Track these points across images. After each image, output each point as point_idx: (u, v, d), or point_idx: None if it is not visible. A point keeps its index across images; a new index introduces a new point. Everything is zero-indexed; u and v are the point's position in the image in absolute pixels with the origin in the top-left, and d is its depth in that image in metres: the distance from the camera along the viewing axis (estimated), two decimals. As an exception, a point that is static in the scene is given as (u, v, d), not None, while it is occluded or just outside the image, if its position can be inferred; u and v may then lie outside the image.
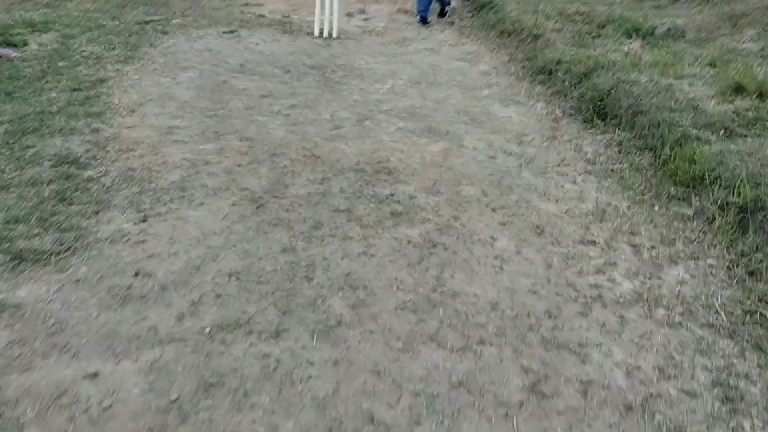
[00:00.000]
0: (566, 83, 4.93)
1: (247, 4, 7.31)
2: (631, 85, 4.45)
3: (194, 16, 6.61)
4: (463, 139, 4.17)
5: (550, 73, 5.26)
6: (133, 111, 4.18)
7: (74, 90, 4.44)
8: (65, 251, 2.68)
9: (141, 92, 4.50)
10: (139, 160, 3.54)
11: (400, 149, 3.96)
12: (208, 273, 2.61)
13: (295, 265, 2.70)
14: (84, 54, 5.22)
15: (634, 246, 3.03)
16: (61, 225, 2.86)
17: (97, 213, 2.99)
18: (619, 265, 2.86)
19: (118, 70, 4.91)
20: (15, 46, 5.31)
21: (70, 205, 3.03)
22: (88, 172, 3.36)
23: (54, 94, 4.36)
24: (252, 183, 3.38)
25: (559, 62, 5.25)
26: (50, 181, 3.21)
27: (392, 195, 3.38)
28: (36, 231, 2.80)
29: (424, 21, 6.89)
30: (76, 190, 3.16)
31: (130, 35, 5.77)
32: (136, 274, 2.57)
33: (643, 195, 3.49)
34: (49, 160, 3.41)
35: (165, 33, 5.92)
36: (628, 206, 3.39)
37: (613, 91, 4.45)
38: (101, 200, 3.10)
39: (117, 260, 2.65)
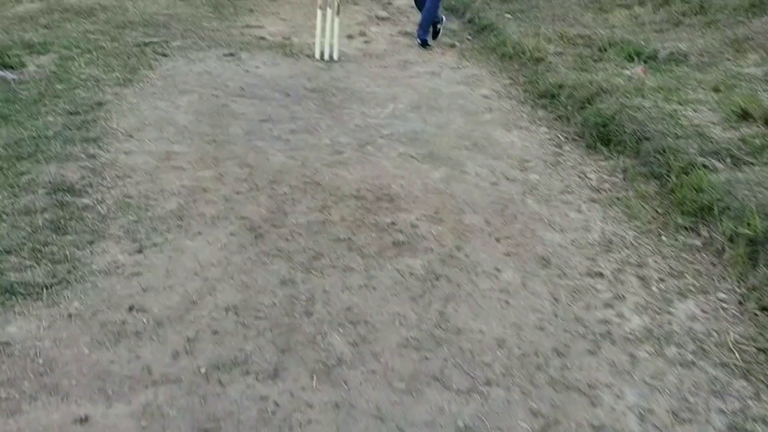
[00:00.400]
0: (569, 108, 4.89)
1: (247, 26, 7.28)
2: (635, 110, 4.40)
3: (194, 38, 6.58)
4: (465, 165, 4.11)
5: (553, 97, 5.21)
6: (131, 136, 4.12)
7: (71, 114, 4.38)
8: (58, 284, 2.61)
9: (139, 116, 4.44)
10: (136, 187, 3.48)
11: (401, 175, 3.90)
12: (205, 307, 2.53)
13: (294, 299, 2.63)
14: (82, 76, 5.17)
15: (642, 278, 2.95)
16: (54, 256, 2.78)
17: (91, 243, 2.91)
18: (628, 299, 2.79)
19: (116, 93, 4.86)
20: (12, 67, 5.26)
21: (64, 234, 2.96)
22: (84, 200, 3.29)
23: (51, 118, 4.30)
24: (251, 211, 3.31)
25: (561, 86, 5.20)
26: (44, 210, 3.14)
27: (394, 223, 3.31)
28: (28, 263, 2.72)
29: (424, 44, 6.86)
30: (71, 219, 3.08)
31: (130, 57, 5.73)
32: (131, 309, 2.49)
33: (650, 225, 3.43)
34: (44, 188, 3.34)
35: (164, 55, 5.88)
36: (635, 236, 3.32)
37: (616, 117, 4.40)
38: (96, 230, 3.03)
39: (111, 294, 2.57)
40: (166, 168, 3.73)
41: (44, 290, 2.56)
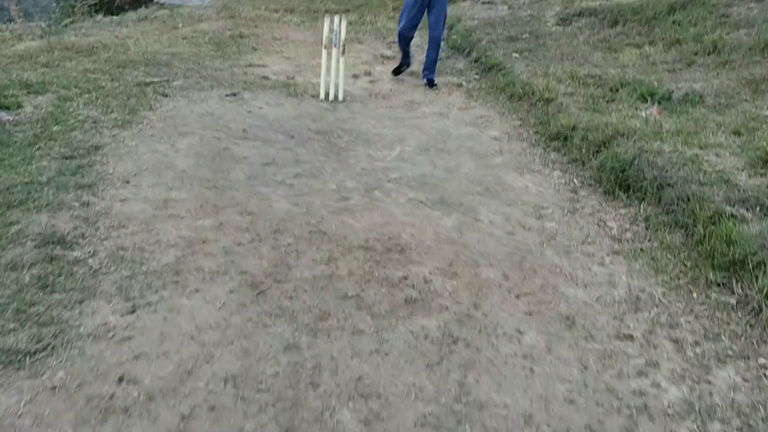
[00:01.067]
0: (583, 151, 4.71)
1: (250, 65, 7.16)
2: (654, 155, 4.22)
3: (196, 77, 6.45)
4: (478, 211, 3.91)
5: (565, 139, 5.04)
6: (128, 182, 3.93)
7: (66, 158, 4.20)
8: (42, 351, 2.39)
9: (137, 160, 4.26)
10: (130, 238, 3.27)
11: (411, 223, 3.70)
12: (202, 378, 2.31)
13: (299, 367, 2.40)
14: (80, 117, 5.01)
15: (675, 341, 2.73)
16: (40, 318, 2.57)
17: (81, 302, 2.70)
18: (662, 366, 2.56)
19: (114, 135, 4.69)
20: (8, 108, 5.11)
21: (52, 292, 2.75)
22: (75, 253, 3.08)
23: (45, 163, 4.12)
24: (252, 265, 3.11)
25: (574, 128, 5.03)
26: (32, 265, 2.93)
27: (405, 278, 3.10)
28: (11, 326, 2.51)
29: (431, 84, 6.72)
30: (60, 275, 2.88)
31: (129, 98, 5.58)
32: (120, 380, 2.27)
33: (679, 280, 3.21)
34: (33, 240, 3.14)
35: (165, 95, 5.73)
36: (664, 293, 3.10)
37: (635, 162, 4.21)
38: (87, 287, 2.82)
39: (99, 362, 2.35)
40: (163, 217, 3.53)
41: (27, 358, 2.34)
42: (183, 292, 2.84)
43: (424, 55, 6.96)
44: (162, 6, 10.77)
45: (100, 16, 10.28)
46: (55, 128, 4.75)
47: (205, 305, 2.75)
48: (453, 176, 4.46)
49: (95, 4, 12.91)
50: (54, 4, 13.17)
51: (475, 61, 7.54)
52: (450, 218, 3.80)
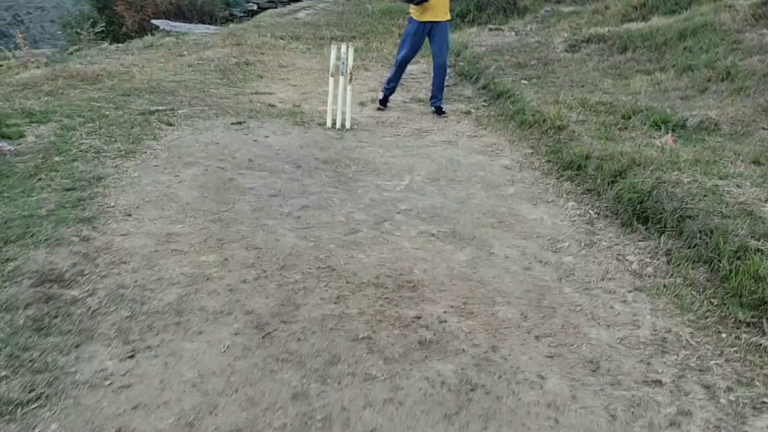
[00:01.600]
0: (598, 181, 4.58)
1: (256, 93, 7.08)
2: (672, 185, 4.08)
3: (201, 105, 6.36)
4: (492, 245, 3.77)
5: (579, 168, 4.91)
6: (130, 215, 3.81)
7: (67, 190, 4.09)
8: (35, 401, 2.25)
9: (140, 192, 4.15)
10: (131, 275, 3.14)
11: (423, 258, 3.56)
12: (204, 431, 2.15)
13: (308, 419, 2.25)
14: (82, 147, 4.91)
15: (707, 387, 2.57)
16: (34, 364, 2.43)
17: (77, 347, 2.56)
18: (695, 415, 2.40)
19: (117, 166, 4.58)
20: (9, 138, 5.01)
21: (48, 336, 2.61)
22: (73, 292, 2.95)
23: (45, 195, 4.00)
24: (258, 304, 2.96)
25: (587, 157, 4.91)
26: (28, 305, 2.80)
27: (419, 318, 2.95)
28: (3, 373, 2.37)
29: (439, 112, 6.63)
30: (56, 316, 2.74)
31: (133, 126, 5.48)
32: (117, 434, 2.11)
33: (706, 319, 3.05)
34: (30, 278, 3.01)
35: (170, 124, 5.64)
36: (691, 333, 2.94)
37: (653, 192, 4.08)
38: (84, 329, 2.68)
39: (95, 413, 2.20)
40: (165, 252, 3.40)
41: (19, 409, 2.20)
42: (185, 334, 2.70)
43: (431, 83, 6.87)
44: (168, 33, 10.76)
45: (105, 44, 10.27)
46: (56, 159, 4.65)
47: (208, 349, 2.60)
48: (464, 207, 4.33)
49: (102, 32, 12.95)
50: (59, 32, 13.22)
51: (483, 88, 7.44)
52: (463, 252, 3.66)
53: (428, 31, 6.53)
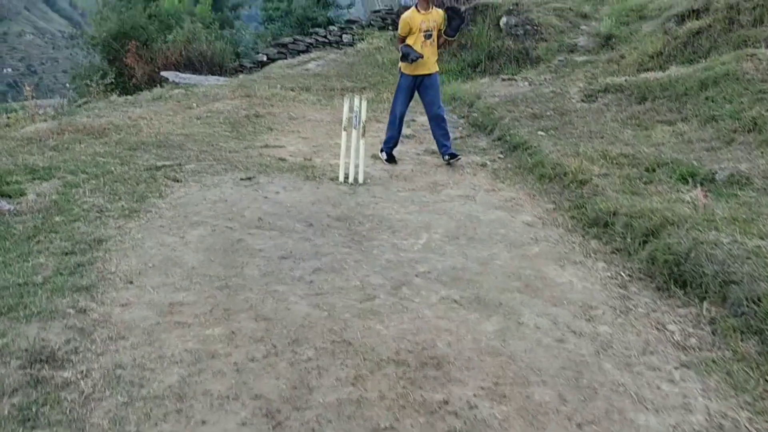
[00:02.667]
0: (628, 240, 4.31)
1: (266, 146, 6.91)
2: (711, 246, 3.80)
3: (210, 160, 6.18)
4: (520, 313, 3.49)
5: (606, 225, 4.65)
6: (131, 282, 3.56)
7: (66, 254, 3.86)
8: None
9: (143, 256, 3.91)
10: (130, 353, 2.87)
11: (447, 329, 3.28)
12: None
13: None
14: (85, 206, 4.70)
15: (779, 488, 2.25)
16: (15, 464, 2.15)
17: (65, 442, 2.28)
18: None
19: (120, 227, 4.36)
20: (9, 197, 4.82)
21: (34, 428, 2.34)
22: (65, 374, 2.68)
23: (42, 259, 3.77)
24: (268, 387, 2.68)
25: (614, 214, 4.65)
26: (14, 391, 2.53)
27: (446, 402, 2.66)
28: (-21, 476, 2.08)
29: (454, 156, 6.41)
30: (45, 404, 2.47)
31: (138, 183, 5.29)
32: None
33: (764, 401, 2.74)
34: (19, 358, 2.75)
35: (177, 180, 5.44)
36: (750, 419, 2.63)
37: (691, 254, 3.80)
38: (75, 418, 2.41)
39: None
40: (168, 325, 3.14)
41: None
42: (187, 424, 2.42)
43: (432, 136, 6.75)
44: (177, 85, 10.71)
45: (114, 96, 10.20)
46: (57, 219, 4.44)
47: (212, 444, 2.32)
48: (488, 269, 4.06)
49: (111, 83, 12.95)
50: (59, 86, 13.24)
51: (499, 140, 7.25)
52: (490, 322, 3.38)
53: (419, 84, 6.50)
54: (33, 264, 3.70)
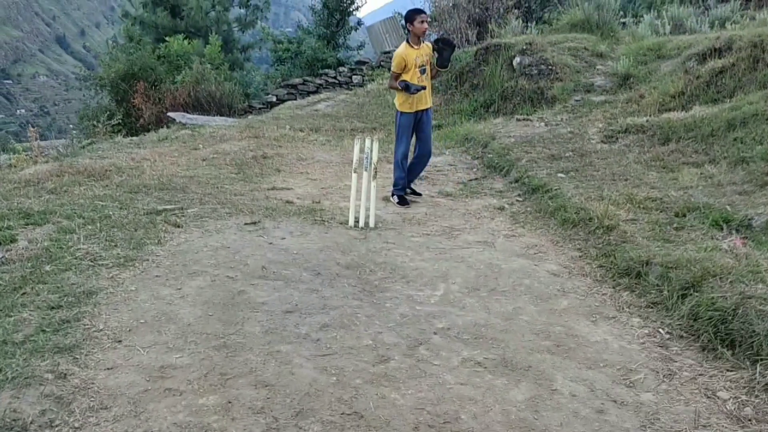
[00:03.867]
0: (665, 293, 3.95)
1: (273, 189, 6.62)
2: (761, 301, 3.43)
3: (213, 203, 5.88)
4: (553, 378, 3.11)
5: (639, 276, 4.29)
6: (119, 341, 3.23)
7: (52, 308, 3.53)
8: None
9: (135, 311, 3.57)
10: (112, 427, 2.53)
11: (471, 397, 2.91)
12: None
13: None
14: (78, 254, 4.38)
15: None
16: None
17: None
18: None
19: (113, 277, 4.04)
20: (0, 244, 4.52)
21: None
22: (34, 454, 2.32)
23: (26, 314, 3.44)
24: (268, 471, 2.31)
25: (648, 263, 4.29)
26: (-28, 476, 2.17)
27: (474, 491, 2.27)
28: None
29: (415, 193, 6.63)
30: (6, 494, 2.11)
31: (137, 229, 4.98)
32: None
33: None
34: (-17, 434, 2.40)
35: (177, 226, 5.13)
36: None
37: (738, 311, 3.43)
38: None
39: None
40: (157, 392, 2.79)
41: None
42: None
43: (412, 169, 6.65)
44: (184, 126, 10.51)
45: (120, 137, 10.00)
46: (47, 268, 4.13)
47: None
48: (513, 326, 3.70)
49: (118, 124, 12.80)
50: (71, 126, 13.10)
51: (516, 182, 6.93)
52: (519, 389, 3.01)
53: (418, 120, 6.41)
54: (15, 320, 3.37)
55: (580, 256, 4.91)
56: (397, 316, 3.77)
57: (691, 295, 3.79)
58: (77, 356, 3.04)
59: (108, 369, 2.95)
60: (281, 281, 4.17)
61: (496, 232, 5.51)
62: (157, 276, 4.10)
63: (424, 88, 6.19)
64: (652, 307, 3.97)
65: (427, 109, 6.41)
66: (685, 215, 5.28)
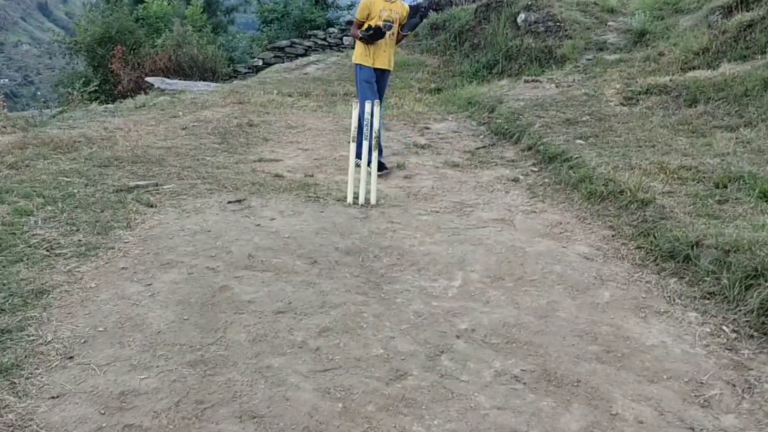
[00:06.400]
0: (724, 281, 3.34)
1: (261, 160, 5.95)
2: None
3: (193, 178, 5.21)
4: (610, 397, 2.52)
5: (687, 260, 3.68)
6: (71, 357, 2.60)
7: (-8, 313, 2.88)
8: None
9: (93, 315, 2.93)
10: (48, 488, 1.90)
11: (513, 428, 2.30)
12: None
13: None
14: (33, 242, 3.73)
15: None
16: None
17: None
18: None
19: (70, 270, 3.39)
20: (-60, 231, 3.84)
21: None
22: None
23: (-43, 322, 2.79)
24: None
25: (697, 244, 3.69)
26: None
27: None
28: None
29: (381, 168, 5.50)
30: None
31: (103, 210, 4.31)
32: None
33: None
34: None
35: (151, 206, 4.47)
36: None
37: (826, 306, 2.83)
38: None
39: None
40: (114, 431, 2.16)
41: None
42: None
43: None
44: (163, 92, 9.74)
45: (94, 105, 9.23)
46: (-7, 260, 3.46)
47: None
48: (550, 326, 3.09)
49: (95, 91, 11.98)
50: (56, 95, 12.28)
51: (529, 149, 6.28)
52: (571, 413, 2.41)
53: (376, 79, 5.74)
54: (-58, 330, 2.73)
55: (612, 236, 4.30)
56: (410, 315, 3.15)
57: (760, 284, 3.19)
58: (16, 380, 2.41)
59: (53, 398, 2.33)
60: (271, 272, 3.54)
61: (514, 208, 4.88)
62: (123, 268, 3.46)
63: (390, 27, 5.58)
64: (708, 299, 3.37)
65: (385, 71, 5.79)
66: (725, 186, 4.68)
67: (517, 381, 2.62)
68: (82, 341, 2.71)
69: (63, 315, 2.92)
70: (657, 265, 3.83)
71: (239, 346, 2.76)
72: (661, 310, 3.29)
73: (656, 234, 4.05)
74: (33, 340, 2.69)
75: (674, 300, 3.41)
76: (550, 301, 3.34)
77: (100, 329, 2.81)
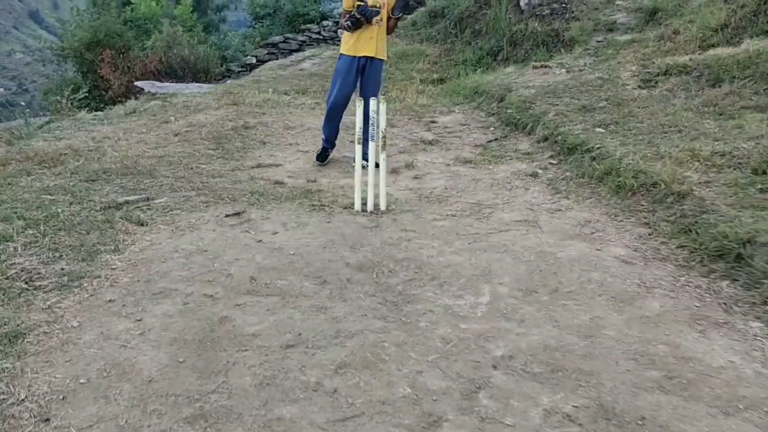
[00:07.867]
0: (789, 285, 2.95)
1: (259, 166, 5.55)
2: None
3: (187, 189, 4.81)
4: (681, 438, 2.13)
5: (739, 259, 3.30)
6: (47, 420, 2.21)
7: (-42, 365, 2.50)
8: None
9: (75, 362, 2.55)
10: None
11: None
12: None
13: None
14: (10, 273, 3.34)
15: None
16: None
17: None
18: None
19: (50, 306, 3.00)
20: None
21: None
22: None
23: None
24: None
25: (750, 242, 3.30)
26: None
27: None
28: None
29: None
30: None
31: (89, 231, 3.93)
32: None
33: None
34: None
35: (141, 224, 4.08)
36: None
37: None
38: None
39: None
40: None
41: None
42: None
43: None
44: (154, 96, 9.33)
45: (82, 113, 8.83)
46: (-36, 298, 3.07)
47: None
48: (598, 347, 2.71)
49: (85, 98, 11.58)
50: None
51: (545, 140, 5.88)
52: (641, 464, 2.02)
53: (362, 68, 5.44)
54: None
55: (649, 234, 3.91)
56: (437, 342, 2.77)
57: (832, 290, 2.80)
58: (-21, 455, 2.03)
59: (23, 476, 1.95)
60: (276, 297, 3.15)
61: (536, 207, 4.49)
62: (110, 301, 3.07)
63: (377, 12, 5.34)
64: (770, 305, 2.99)
65: (373, 59, 5.45)
66: (765, 172, 4.28)
67: (571, 421, 2.23)
68: (61, 397, 2.33)
69: (40, 364, 2.54)
70: (704, 266, 3.44)
71: (244, 392, 2.38)
72: (720, 321, 2.91)
73: (699, 230, 3.67)
74: (3, 399, 2.31)
75: (731, 308, 3.03)
76: (594, 317, 2.96)
77: (82, 381, 2.43)
